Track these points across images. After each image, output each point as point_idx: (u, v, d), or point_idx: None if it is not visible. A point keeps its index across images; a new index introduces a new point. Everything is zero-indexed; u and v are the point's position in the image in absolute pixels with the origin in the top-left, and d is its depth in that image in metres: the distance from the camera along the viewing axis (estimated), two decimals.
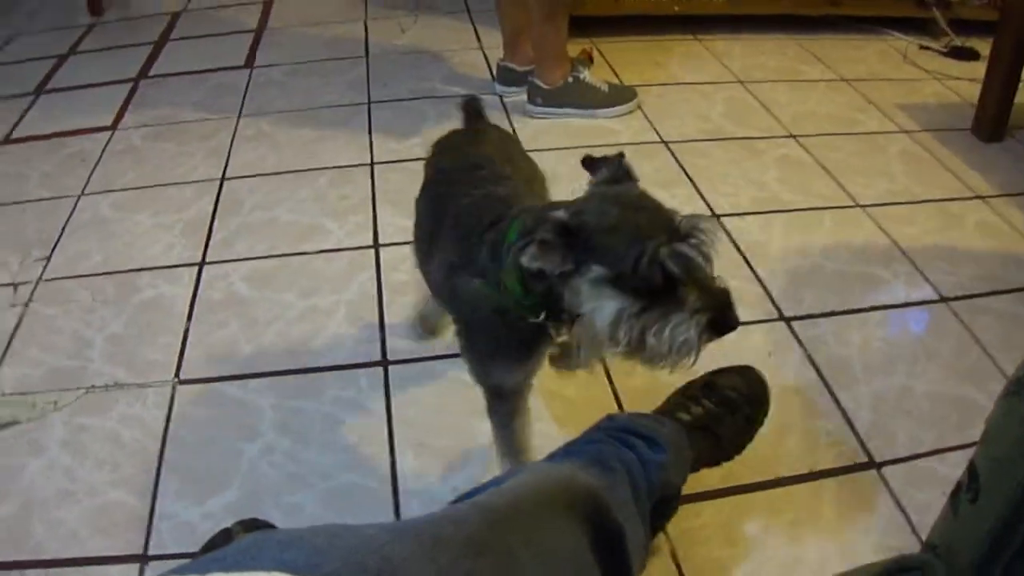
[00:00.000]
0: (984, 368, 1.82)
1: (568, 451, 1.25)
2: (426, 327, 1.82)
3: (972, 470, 0.61)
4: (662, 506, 1.27)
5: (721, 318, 1.01)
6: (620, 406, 1.69)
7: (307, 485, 1.54)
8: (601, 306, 1.03)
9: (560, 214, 1.04)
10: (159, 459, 1.60)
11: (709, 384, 1.49)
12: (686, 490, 1.44)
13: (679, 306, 1.00)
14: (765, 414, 1.51)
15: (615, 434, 1.27)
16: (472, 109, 1.60)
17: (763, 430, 1.56)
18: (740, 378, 1.51)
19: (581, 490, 1.03)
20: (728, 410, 1.45)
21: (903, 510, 1.51)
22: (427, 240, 1.36)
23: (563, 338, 1.25)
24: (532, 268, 1.04)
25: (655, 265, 0.98)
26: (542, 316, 1.14)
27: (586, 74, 2.75)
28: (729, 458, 1.47)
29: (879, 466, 1.59)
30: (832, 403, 1.72)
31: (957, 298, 2.03)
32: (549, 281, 1.07)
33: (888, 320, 1.96)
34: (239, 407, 1.71)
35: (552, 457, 1.24)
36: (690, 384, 1.50)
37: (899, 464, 1.60)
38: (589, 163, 1.19)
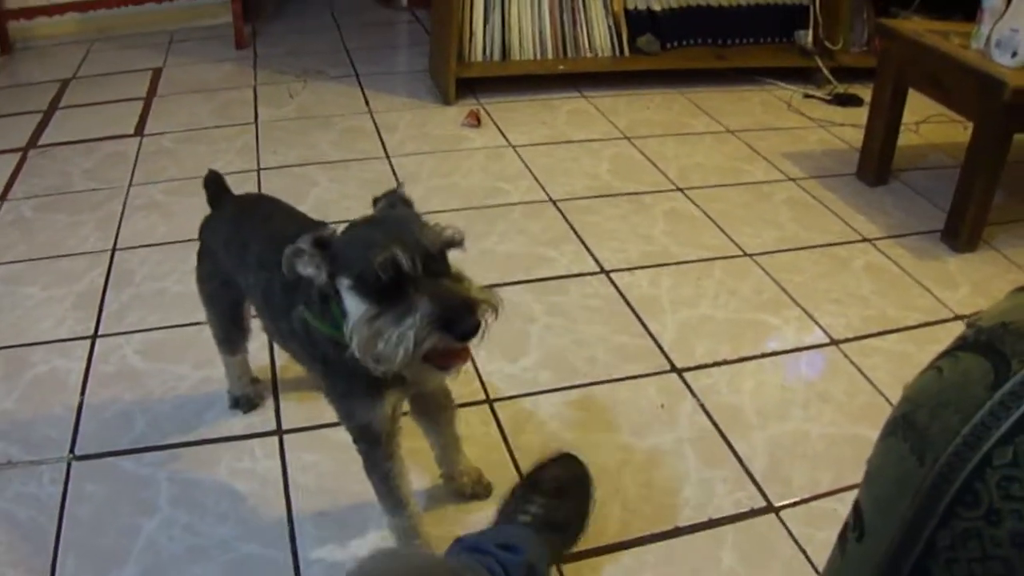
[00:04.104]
0: (877, 407, 1.93)
1: None
2: (248, 402, 1.91)
3: (857, 510, 0.65)
4: None
5: (450, 321, 1.10)
6: (516, 464, 1.75)
7: (208, 558, 1.56)
8: (350, 312, 1.17)
9: (319, 231, 1.20)
10: (56, 538, 1.60)
11: (534, 482, 1.58)
12: (585, 545, 1.53)
13: (408, 312, 1.10)
14: (593, 486, 1.61)
15: (470, 552, 1.36)
16: (215, 186, 1.73)
17: (659, 481, 1.64)
18: (558, 467, 1.61)
19: None
20: (560, 498, 1.54)
21: (803, 551, 1.59)
22: (270, 303, 1.48)
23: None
24: (297, 275, 1.20)
25: (376, 269, 1.10)
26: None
27: None
28: (577, 536, 1.55)
29: (777, 510, 1.68)
30: (727, 451, 1.81)
31: (847, 340, 2.15)
32: (336, 301, 1.21)
33: (780, 366, 2.07)
34: (136, 481, 1.72)
35: None
36: (516, 487, 1.58)
37: (798, 506, 1.69)
38: (374, 200, 1.32)
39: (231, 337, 1.78)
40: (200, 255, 1.72)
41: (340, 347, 1.23)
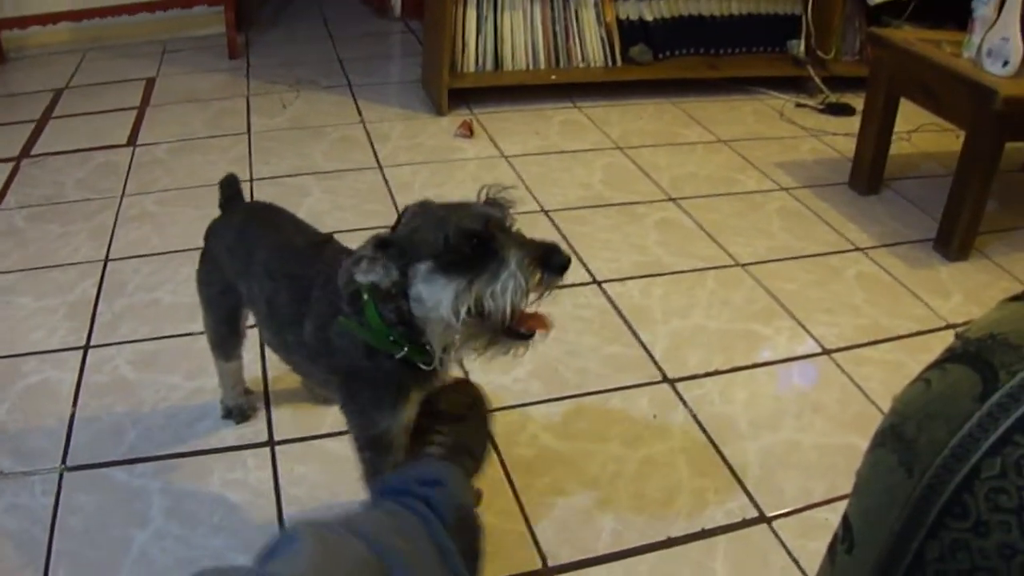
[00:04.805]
0: (869, 416, 1.94)
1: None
2: (241, 413, 1.91)
3: (846, 521, 0.65)
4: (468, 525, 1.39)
5: (546, 259, 1.16)
6: (508, 474, 1.75)
7: (198, 569, 1.55)
8: (437, 297, 1.18)
9: (376, 234, 1.22)
10: (48, 549, 1.59)
11: (433, 413, 1.56)
12: (576, 555, 1.53)
13: (503, 264, 1.15)
14: (488, 403, 1.61)
15: (394, 495, 1.36)
16: (230, 189, 1.76)
17: (651, 492, 1.64)
18: (452, 392, 1.60)
19: None
20: (461, 422, 1.54)
21: (796, 561, 1.59)
22: (275, 314, 1.48)
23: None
24: (366, 283, 1.21)
25: (460, 235, 1.15)
26: (405, 349, 1.28)
27: None
28: (484, 456, 1.56)
29: (770, 520, 1.68)
30: (720, 461, 1.81)
31: (839, 349, 2.15)
32: (396, 303, 1.24)
33: (773, 375, 2.07)
34: (128, 492, 1.72)
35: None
36: (417, 422, 1.56)
37: (790, 516, 1.69)
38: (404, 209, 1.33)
39: (226, 342, 1.78)
40: (203, 257, 1.73)
41: (373, 353, 1.28)
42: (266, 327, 1.57)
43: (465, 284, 1.15)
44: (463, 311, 1.16)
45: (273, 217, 1.68)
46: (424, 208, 1.26)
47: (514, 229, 1.21)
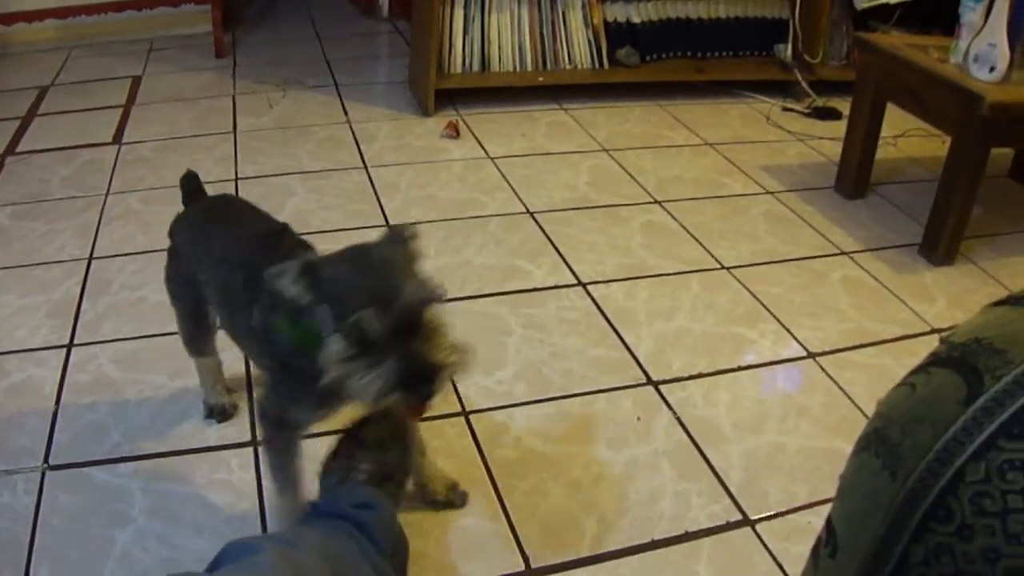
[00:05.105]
0: (854, 420, 1.94)
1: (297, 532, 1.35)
2: (222, 412, 1.91)
3: (830, 525, 0.65)
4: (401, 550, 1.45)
5: (416, 383, 1.16)
6: (491, 476, 1.74)
7: (182, 570, 1.54)
8: (327, 342, 1.18)
9: (310, 256, 1.25)
10: (29, 548, 1.58)
11: (356, 441, 1.57)
12: (559, 557, 1.53)
13: (378, 366, 1.15)
14: (407, 428, 1.60)
15: (326, 517, 1.39)
16: (190, 185, 1.78)
17: (635, 494, 1.65)
18: (372, 421, 1.60)
19: None
20: (383, 449, 1.55)
21: (779, 565, 1.59)
22: (229, 298, 1.51)
23: None
24: (282, 297, 1.21)
25: (362, 324, 1.14)
26: None
27: None
28: (404, 481, 1.59)
29: (753, 523, 1.68)
30: (703, 464, 1.81)
31: (824, 353, 2.16)
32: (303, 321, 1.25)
33: (757, 379, 2.07)
34: (110, 492, 1.71)
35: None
36: (340, 448, 1.58)
37: (774, 519, 1.69)
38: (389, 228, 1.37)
39: (195, 337, 1.80)
40: (168, 253, 1.75)
41: (302, 355, 1.27)
42: (221, 311, 1.60)
43: (346, 355, 1.17)
44: (334, 369, 1.19)
45: (231, 208, 1.72)
46: (360, 258, 1.24)
47: (431, 322, 1.21)
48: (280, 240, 1.50)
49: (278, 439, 1.49)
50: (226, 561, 1.16)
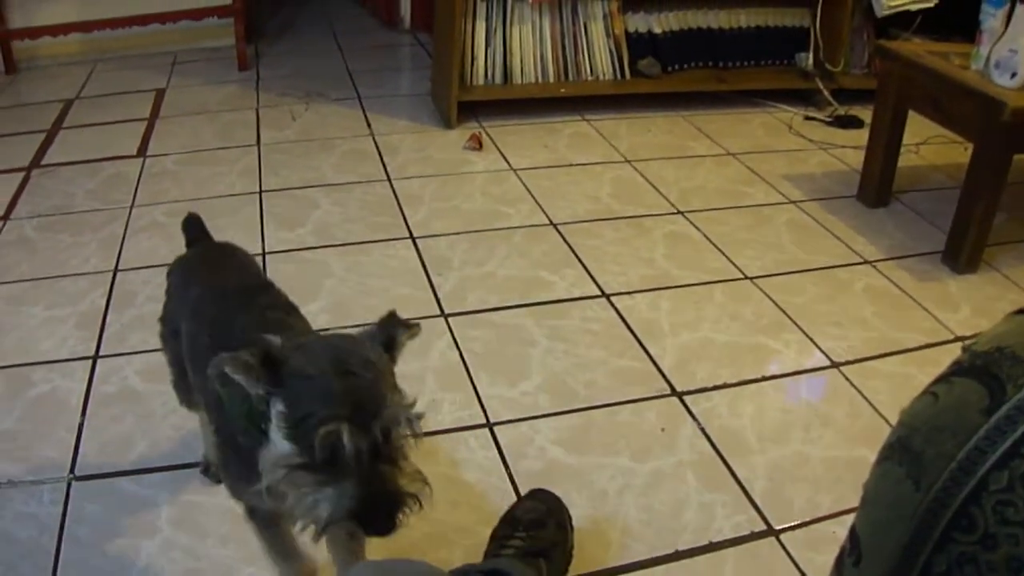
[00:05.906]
0: (878, 430, 1.93)
1: None
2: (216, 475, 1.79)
3: (853, 534, 0.65)
4: None
5: (369, 517, 1.02)
6: (515, 487, 1.75)
7: None
8: (273, 442, 1.06)
9: (273, 341, 1.07)
10: (55, 558, 1.60)
11: (511, 519, 1.56)
12: (584, 568, 1.54)
13: (332, 483, 1.01)
14: (569, 516, 1.59)
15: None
16: (194, 229, 1.72)
17: (659, 505, 1.65)
18: (531, 500, 1.60)
19: None
20: (539, 528, 1.52)
21: (804, 574, 1.59)
22: (194, 354, 1.39)
23: None
24: (232, 379, 1.05)
25: (316, 437, 0.99)
26: None
27: None
28: (565, 556, 1.54)
29: (778, 533, 1.68)
30: (728, 474, 1.81)
31: (848, 363, 2.15)
32: (250, 406, 1.09)
33: (781, 389, 2.07)
34: (136, 502, 1.72)
35: None
36: (496, 529, 1.56)
37: (798, 529, 1.69)
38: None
39: (178, 387, 1.65)
40: (165, 294, 1.66)
41: (250, 436, 1.12)
42: (188, 366, 1.46)
43: (295, 463, 1.02)
44: (274, 476, 1.05)
45: (220, 258, 1.63)
46: (340, 358, 1.05)
47: (398, 442, 1.05)
48: (256, 299, 1.37)
49: (254, 515, 1.33)
50: None
